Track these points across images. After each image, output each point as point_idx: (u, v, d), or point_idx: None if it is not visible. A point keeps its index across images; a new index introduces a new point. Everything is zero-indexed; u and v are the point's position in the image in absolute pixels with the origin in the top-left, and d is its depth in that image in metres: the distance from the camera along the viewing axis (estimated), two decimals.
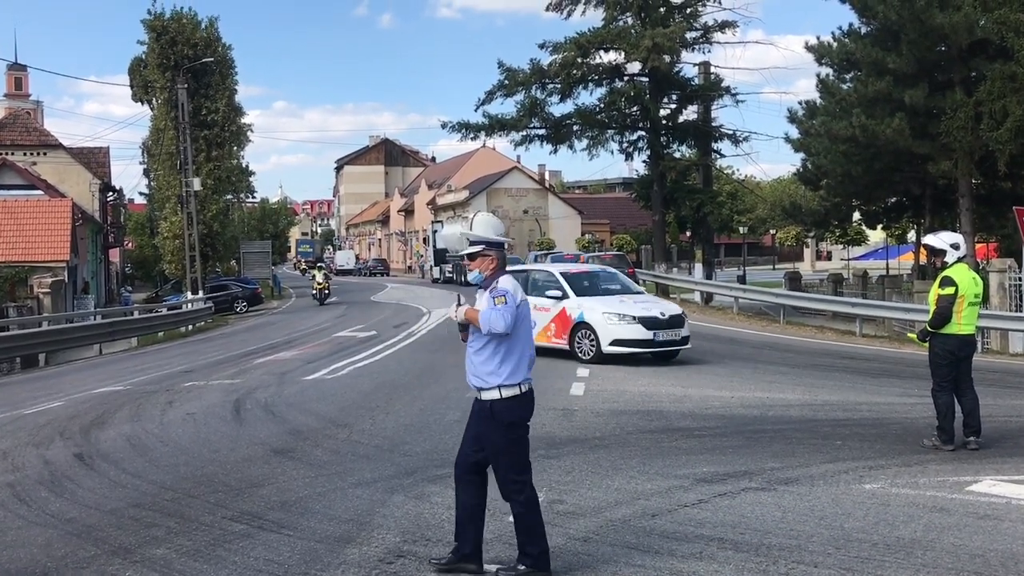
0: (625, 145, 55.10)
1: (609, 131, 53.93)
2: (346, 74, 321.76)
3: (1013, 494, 8.43)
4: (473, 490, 6.54)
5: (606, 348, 18.52)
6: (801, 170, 37.86)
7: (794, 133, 35.15)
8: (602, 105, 53.05)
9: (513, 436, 6.50)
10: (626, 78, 53.35)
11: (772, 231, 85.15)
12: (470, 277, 6.75)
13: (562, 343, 19.32)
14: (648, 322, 18.53)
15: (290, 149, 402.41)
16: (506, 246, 7.04)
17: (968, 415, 10.47)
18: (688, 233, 62.15)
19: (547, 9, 54.51)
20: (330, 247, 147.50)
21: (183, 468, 10.37)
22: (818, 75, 33.60)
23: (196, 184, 46.94)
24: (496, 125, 53.04)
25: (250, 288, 51.84)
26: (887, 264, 52.45)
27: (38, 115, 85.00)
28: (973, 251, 29.63)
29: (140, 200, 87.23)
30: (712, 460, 10.03)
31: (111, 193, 60.40)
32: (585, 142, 53.99)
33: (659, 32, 47.83)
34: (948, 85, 28.89)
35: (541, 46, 52.09)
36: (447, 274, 63.07)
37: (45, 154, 52.55)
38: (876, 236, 59.76)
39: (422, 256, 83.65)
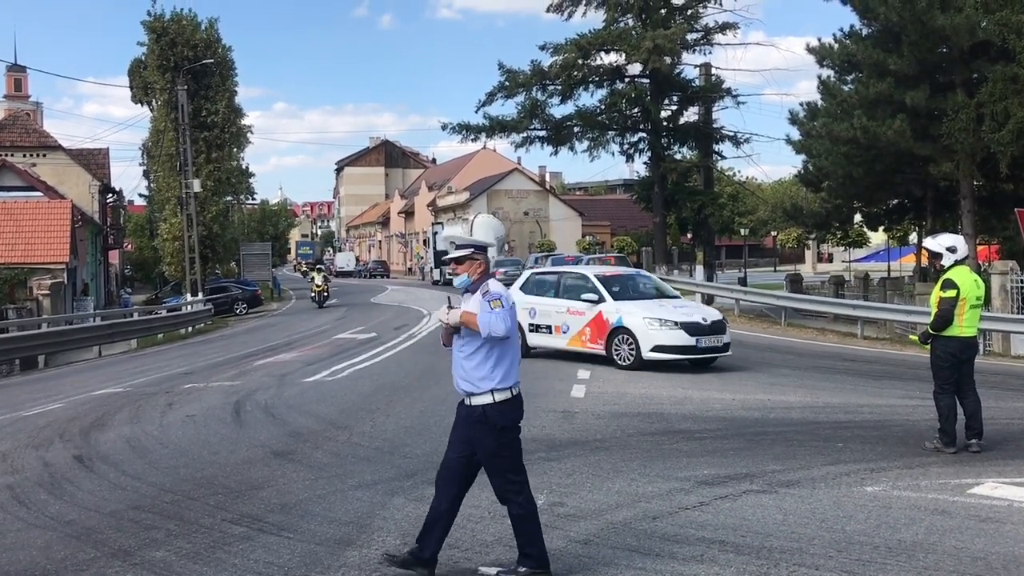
0: (626, 147, 55.25)
1: (610, 133, 54.03)
2: (346, 75, 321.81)
3: (1015, 497, 8.41)
4: (451, 496, 6.49)
5: (646, 354, 17.78)
6: (802, 172, 37.84)
7: (795, 135, 35.17)
8: (603, 107, 53.15)
9: (506, 439, 6.46)
10: (627, 79, 53.44)
11: (773, 233, 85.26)
12: (457, 282, 6.67)
13: (598, 348, 18.73)
14: (691, 328, 17.88)
15: (290, 150, 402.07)
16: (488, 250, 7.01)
17: (970, 417, 10.44)
18: (689, 235, 62.16)
19: (548, 10, 54.69)
20: (330, 249, 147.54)
21: (183, 470, 10.36)
22: (819, 77, 33.66)
23: (196, 186, 46.90)
24: (497, 126, 53.13)
25: (250, 290, 51.82)
26: (888, 266, 52.41)
27: (38, 116, 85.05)
28: (975, 253, 29.59)
29: (140, 202, 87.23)
30: (713, 462, 10.01)
31: (111, 195, 60.35)
32: (586, 143, 54.14)
33: (660, 34, 47.90)
34: (950, 87, 28.87)
35: (542, 47, 52.27)
36: (448, 276, 63.04)
37: (44, 155, 52.53)
38: (877, 238, 59.76)
39: (422, 258, 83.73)
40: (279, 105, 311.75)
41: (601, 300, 18.77)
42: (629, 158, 57.08)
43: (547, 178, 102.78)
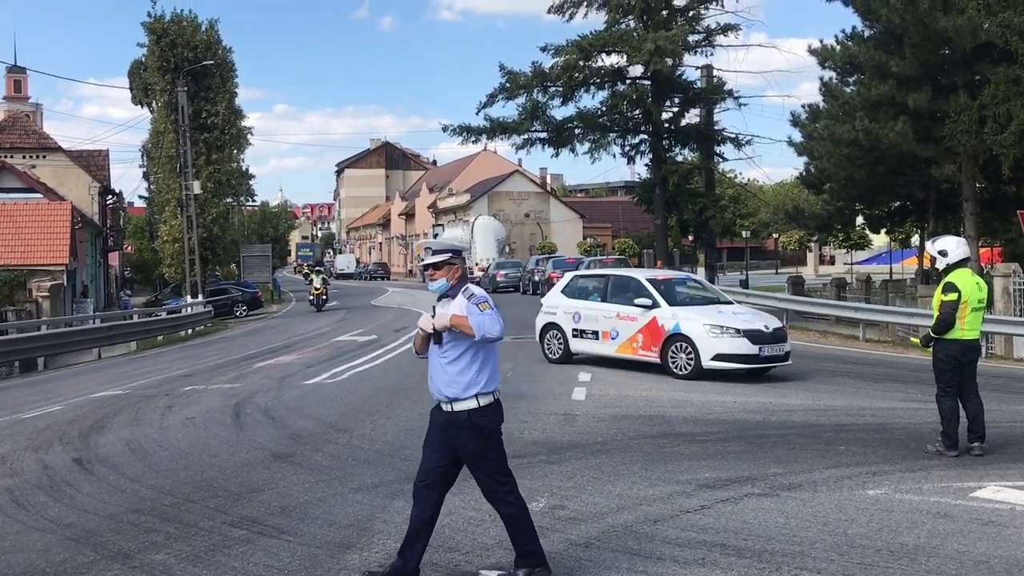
0: (627, 148, 55.18)
1: (611, 134, 53.98)
2: (347, 77, 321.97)
3: (1017, 500, 8.38)
4: (431, 504, 6.43)
5: (707, 363, 16.77)
6: (804, 174, 37.82)
7: (797, 137, 35.14)
8: (604, 108, 53.10)
9: (492, 442, 6.43)
10: (628, 81, 53.41)
11: (775, 235, 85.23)
12: (434, 286, 6.55)
13: (651, 356, 17.69)
14: (753, 336, 16.88)
15: (290, 152, 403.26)
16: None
17: (972, 420, 10.42)
18: (690, 237, 62.12)
19: (549, 12, 54.60)
20: (330, 251, 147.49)
21: (182, 473, 10.33)
22: (821, 78, 33.61)
23: (196, 187, 46.88)
24: (497, 128, 53.09)
25: (250, 292, 51.79)
26: (890, 269, 52.27)
27: (37, 118, 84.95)
28: (977, 256, 29.57)
29: (140, 203, 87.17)
30: (714, 465, 9.98)
31: (110, 196, 60.37)
32: (587, 145, 54.08)
33: (661, 35, 47.87)
34: (952, 89, 28.86)
35: (543, 49, 52.21)
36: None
37: (44, 157, 52.58)
38: (879, 240, 59.65)
39: (423, 260, 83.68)
40: (279, 107, 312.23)
41: (655, 305, 17.78)
42: (630, 160, 57.00)
43: (548, 180, 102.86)
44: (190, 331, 38.79)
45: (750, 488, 8.93)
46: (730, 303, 19.20)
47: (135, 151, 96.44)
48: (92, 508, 8.97)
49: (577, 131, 53.62)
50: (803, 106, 35.09)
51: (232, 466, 10.57)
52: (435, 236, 69.62)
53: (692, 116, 54.43)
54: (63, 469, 10.82)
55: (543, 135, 53.99)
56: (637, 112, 53.21)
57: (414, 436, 11.88)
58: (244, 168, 61.04)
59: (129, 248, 78.52)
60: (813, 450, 10.76)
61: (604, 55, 52.27)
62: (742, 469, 9.75)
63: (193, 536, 7.81)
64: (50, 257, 39.01)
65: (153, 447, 11.98)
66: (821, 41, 33.14)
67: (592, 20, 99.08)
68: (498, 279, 54.81)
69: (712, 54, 55.09)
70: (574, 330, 19.25)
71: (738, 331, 16.86)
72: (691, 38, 51.66)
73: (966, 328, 10.41)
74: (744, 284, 46.99)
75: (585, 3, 52.77)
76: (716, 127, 53.75)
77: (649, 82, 52.34)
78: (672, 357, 17.32)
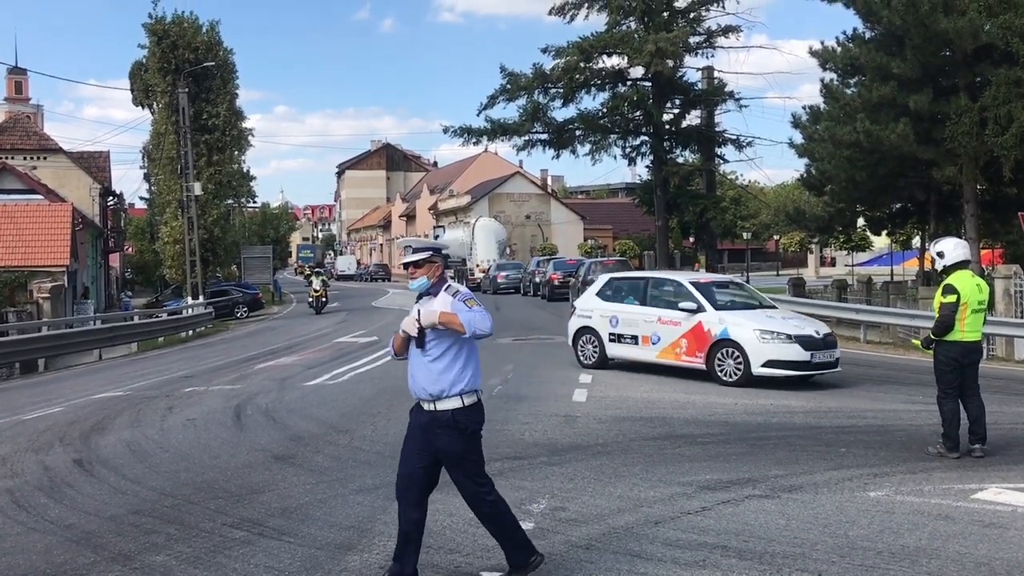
0: (628, 150, 55.27)
1: (612, 136, 54.05)
2: (347, 78, 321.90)
3: (1019, 502, 8.38)
4: (416, 506, 6.39)
5: (757, 370, 16.10)
6: (805, 175, 37.84)
7: (798, 138, 35.17)
8: (605, 110, 53.14)
9: (474, 443, 6.41)
10: (629, 83, 53.47)
11: (776, 237, 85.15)
12: (415, 285, 6.52)
13: (696, 362, 17.04)
14: (805, 341, 16.17)
15: (291, 154, 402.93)
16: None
17: (974, 422, 10.41)
18: (691, 239, 62.20)
19: (550, 13, 54.68)
20: (331, 252, 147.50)
21: (183, 474, 10.33)
22: (822, 80, 33.60)
23: (197, 189, 46.91)
24: (498, 130, 53.15)
25: (251, 293, 51.79)
26: (891, 270, 52.29)
27: (38, 119, 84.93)
28: (978, 257, 29.55)
29: (140, 205, 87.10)
30: (715, 467, 9.97)
31: (111, 198, 60.43)
32: (588, 147, 54.17)
33: (662, 37, 47.90)
34: (953, 90, 28.87)
35: (544, 50, 52.26)
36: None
37: (45, 158, 52.66)
38: (880, 242, 59.65)
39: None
40: (280, 108, 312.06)
41: (700, 309, 17.08)
42: (631, 162, 57.03)
43: (549, 181, 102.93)
44: (191, 332, 38.80)
45: (751, 490, 8.93)
46: (774, 307, 18.50)
47: (136, 152, 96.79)
48: (93, 509, 8.97)
49: (578, 133, 53.68)
50: (804, 108, 35.15)
51: (233, 467, 10.56)
52: (436, 238, 69.59)
53: (693, 118, 54.56)
54: (64, 470, 10.81)
55: (544, 136, 54.06)
56: (638, 114, 53.26)
57: None
58: (245, 169, 61.08)
59: (130, 249, 78.52)
60: (814, 452, 10.75)
61: (605, 57, 52.35)
62: (743, 471, 9.74)
63: (194, 537, 7.81)
64: (51, 258, 39.05)
65: (154, 448, 11.97)
66: (822, 43, 33.22)
67: (593, 22, 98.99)
68: (499, 281, 54.79)
69: (713, 56, 55.23)
70: (611, 334, 18.57)
71: (789, 337, 16.20)
72: (692, 40, 51.73)
73: (966, 330, 10.40)
74: None
75: (586, 5, 52.86)
76: (717, 129, 53.85)
77: (650, 84, 52.39)
78: (719, 363, 16.64)
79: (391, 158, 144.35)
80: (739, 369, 16.36)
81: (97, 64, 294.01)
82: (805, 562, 6.80)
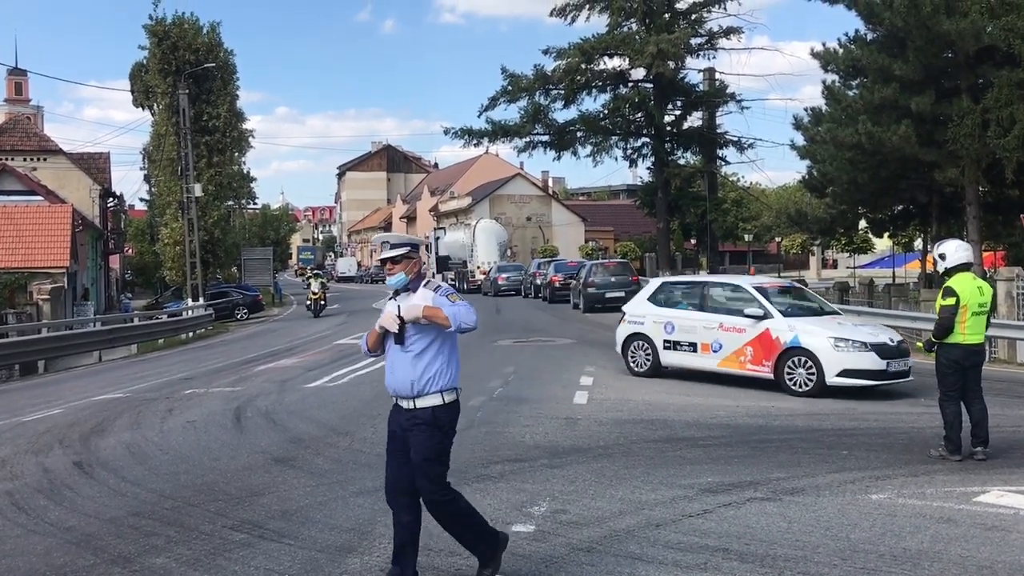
0: (629, 151, 55.34)
1: (613, 137, 54.08)
2: (348, 80, 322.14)
3: (1021, 505, 8.36)
4: (408, 509, 6.37)
5: (831, 379, 15.28)
6: (807, 177, 37.83)
7: (800, 140, 35.16)
8: (606, 111, 53.20)
9: (447, 444, 6.36)
10: (630, 84, 53.50)
11: (777, 239, 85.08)
12: (392, 281, 6.45)
13: (763, 371, 16.15)
14: (881, 349, 15.32)
15: (292, 155, 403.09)
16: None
17: (976, 425, 10.40)
18: (693, 240, 62.19)
19: (551, 14, 54.75)
20: (332, 254, 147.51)
21: (183, 476, 10.31)
22: (824, 82, 33.53)
23: (197, 190, 46.88)
24: (499, 131, 53.20)
25: (251, 295, 51.77)
26: (893, 272, 52.22)
27: (38, 120, 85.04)
28: (980, 259, 29.52)
29: (141, 206, 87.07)
30: (717, 470, 9.95)
31: (111, 199, 60.44)
32: (589, 148, 54.23)
33: (664, 38, 47.92)
34: (955, 92, 28.85)
35: (545, 52, 52.32)
36: (449, 281, 62.88)
37: (45, 160, 52.65)
38: (882, 244, 59.60)
39: (424, 263, 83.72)
40: (281, 109, 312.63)
41: (767, 316, 16.26)
42: (632, 163, 57.11)
43: (550, 183, 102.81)
44: (191, 334, 38.79)
45: (753, 492, 8.90)
46: (837, 312, 17.81)
47: (136, 154, 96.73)
48: (92, 512, 8.95)
49: (579, 134, 53.71)
50: (806, 109, 35.13)
51: (233, 470, 10.54)
52: (436, 240, 69.55)
53: (694, 119, 54.63)
54: (63, 472, 10.79)
55: (545, 138, 54.09)
56: (639, 115, 53.29)
57: None
58: (245, 171, 61.17)
59: (130, 251, 78.55)
60: (816, 454, 10.72)
61: (606, 58, 52.42)
62: (745, 473, 9.71)
63: (193, 540, 7.79)
64: (51, 260, 39.04)
65: (154, 450, 11.95)
66: (824, 44, 33.20)
67: (594, 23, 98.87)
68: (500, 283, 54.73)
69: (714, 57, 55.25)
70: (666, 341, 17.69)
71: (865, 345, 15.36)
72: (693, 41, 51.78)
73: (967, 332, 10.39)
74: None
75: (587, 6, 52.87)
76: (718, 130, 53.88)
77: (651, 85, 52.42)
78: (789, 373, 15.82)
79: (392, 159, 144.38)
80: (811, 379, 15.57)
81: (97, 65, 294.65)
82: (807, 565, 6.78)
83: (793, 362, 15.78)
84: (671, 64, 49.56)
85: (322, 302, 45.10)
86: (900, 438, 11.73)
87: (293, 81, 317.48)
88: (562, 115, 64.25)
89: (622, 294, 36.75)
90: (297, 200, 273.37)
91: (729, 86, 53.48)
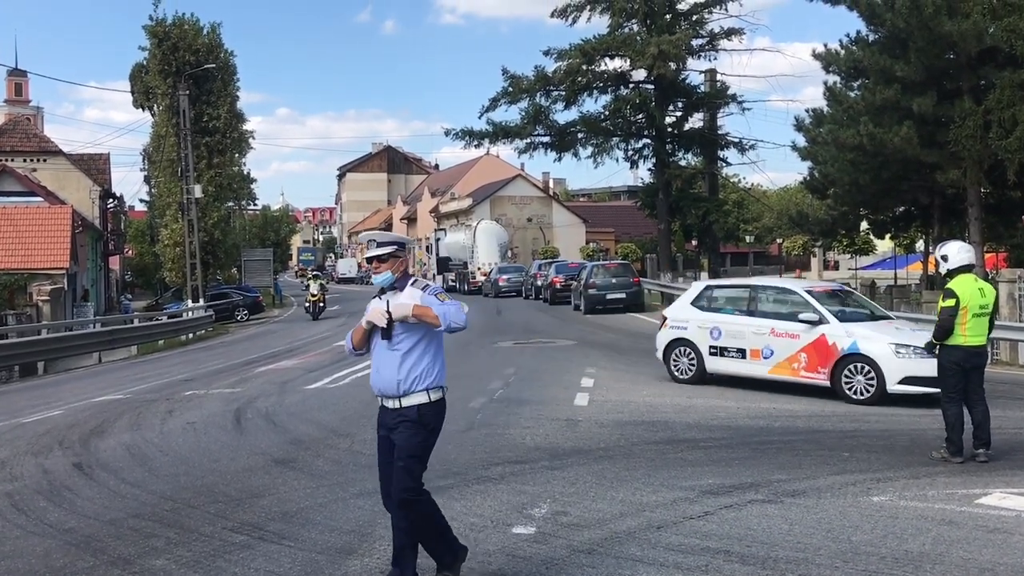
0: (630, 153, 55.16)
1: (614, 139, 53.95)
2: (349, 81, 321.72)
3: (1023, 507, 8.34)
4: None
5: (892, 387, 14.67)
6: (808, 179, 37.84)
7: (801, 141, 35.14)
8: (607, 112, 53.07)
9: (430, 444, 6.33)
10: (631, 85, 53.37)
11: (779, 240, 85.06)
12: (378, 279, 6.38)
13: (819, 378, 15.48)
14: None
15: (292, 156, 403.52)
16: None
17: (978, 427, 10.38)
18: (694, 242, 62.10)
19: (552, 15, 54.55)
20: (332, 255, 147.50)
21: (183, 478, 10.30)
22: (825, 83, 33.52)
23: (197, 191, 46.90)
24: (500, 132, 53.07)
25: (251, 296, 51.77)
26: (895, 274, 52.17)
27: (38, 121, 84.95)
28: (983, 261, 29.50)
29: (140, 207, 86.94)
30: (718, 472, 9.93)
31: (111, 200, 60.47)
32: (590, 150, 54.03)
33: (665, 39, 47.82)
34: (957, 93, 28.82)
35: (546, 53, 52.13)
36: (450, 282, 62.85)
37: (45, 160, 52.69)
38: (884, 246, 59.58)
39: (425, 264, 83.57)
40: (281, 110, 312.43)
41: (822, 321, 15.61)
42: (633, 164, 56.88)
43: (551, 184, 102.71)
44: (191, 335, 38.79)
45: (754, 494, 8.88)
46: (888, 317, 17.20)
47: (136, 155, 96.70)
48: (92, 513, 8.94)
49: (580, 135, 53.59)
50: (807, 110, 35.18)
51: (233, 471, 10.53)
52: (437, 241, 69.54)
53: (695, 120, 54.45)
54: (63, 474, 10.79)
55: (546, 139, 53.95)
56: (640, 116, 53.16)
57: None
58: (245, 172, 61.18)
59: (130, 252, 78.59)
60: (817, 456, 10.71)
61: (607, 59, 52.25)
62: (746, 475, 9.69)
63: (193, 541, 7.78)
64: (50, 261, 39.04)
65: (154, 452, 11.94)
66: (825, 45, 33.19)
67: (595, 24, 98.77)
68: (500, 284, 54.67)
69: (716, 58, 55.16)
70: (711, 347, 17.04)
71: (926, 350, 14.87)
72: (694, 42, 51.65)
73: (968, 334, 10.39)
74: None
75: (588, 7, 52.74)
76: (719, 131, 53.73)
77: (652, 86, 52.31)
78: (847, 380, 15.20)
79: (392, 160, 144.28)
80: (871, 386, 14.96)
81: (97, 66, 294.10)
82: (808, 567, 6.76)
83: (852, 369, 15.21)
84: (672, 65, 49.45)
85: (321, 304, 44.33)
86: (901, 440, 11.72)
87: (293, 82, 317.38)
88: (563, 116, 64.20)
89: (623, 295, 36.84)
90: (297, 201, 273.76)
91: (730, 87, 53.29)
